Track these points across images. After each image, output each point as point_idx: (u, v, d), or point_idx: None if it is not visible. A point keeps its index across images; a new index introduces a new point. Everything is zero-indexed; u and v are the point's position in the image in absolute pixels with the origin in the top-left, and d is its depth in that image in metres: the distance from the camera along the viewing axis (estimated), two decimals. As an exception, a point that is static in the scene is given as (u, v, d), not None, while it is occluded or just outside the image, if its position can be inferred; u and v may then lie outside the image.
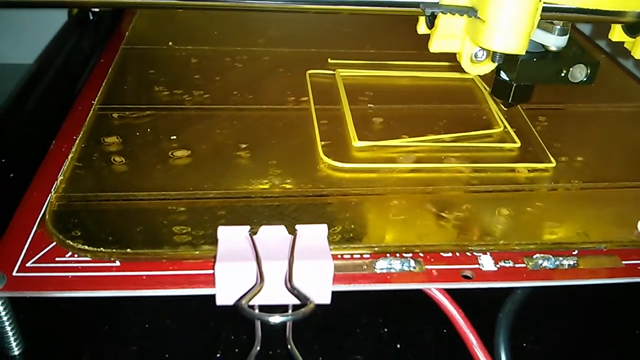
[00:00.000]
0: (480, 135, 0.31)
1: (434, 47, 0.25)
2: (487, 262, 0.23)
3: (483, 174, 0.28)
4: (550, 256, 0.23)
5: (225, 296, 0.21)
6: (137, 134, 0.29)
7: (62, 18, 0.48)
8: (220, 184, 0.26)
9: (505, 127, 0.32)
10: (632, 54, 0.27)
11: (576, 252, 0.24)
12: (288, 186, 0.27)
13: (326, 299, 0.22)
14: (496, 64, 0.26)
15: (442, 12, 0.24)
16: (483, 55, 0.25)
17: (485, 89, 0.35)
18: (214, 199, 0.25)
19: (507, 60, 0.26)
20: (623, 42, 0.27)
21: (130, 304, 0.24)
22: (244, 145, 0.29)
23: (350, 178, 0.28)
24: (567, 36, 0.27)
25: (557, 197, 0.28)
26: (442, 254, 0.23)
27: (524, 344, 0.24)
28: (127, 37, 0.40)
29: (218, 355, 0.23)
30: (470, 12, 0.24)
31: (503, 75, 0.28)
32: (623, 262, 0.24)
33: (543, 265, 0.23)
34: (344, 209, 0.26)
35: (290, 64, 0.37)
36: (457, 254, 0.23)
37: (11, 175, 0.30)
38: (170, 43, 0.39)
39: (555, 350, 0.24)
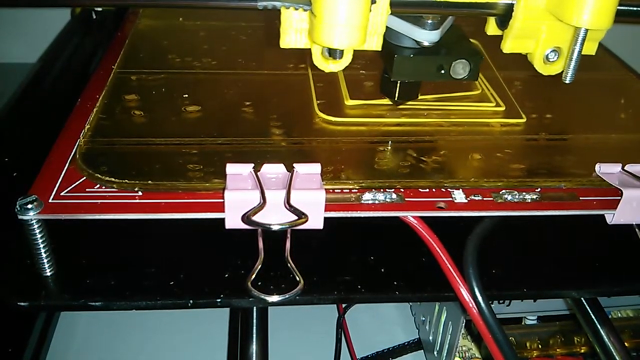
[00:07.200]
0: (460, 97, 0.34)
1: (284, 42, 0.25)
2: (459, 196, 0.26)
3: (460, 127, 0.32)
4: (515, 192, 0.27)
5: (233, 220, 0.24)
6: (154, 93, 0.33)
7: (65, 17, 0.50)
8: (228, 133, 0.30)
9: (483, 89, 0.35)
10: (500, 47, 0.26)
11: (539, 189, 0.27)
12: (287, 135, 0.30)
13: (319, 225, 0.25)
14: (347, 61, 0.25)
15: (275, 6, 0.23)
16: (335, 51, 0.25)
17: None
18: (222, 145, 0.29)
19: (387, 57, 0.26)
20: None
21: (150, 236, 0.27)
22: (247, 103, 0.32)
23: (342, 130, 0.31)
24: (439, 30, 0.26)
25: (525, 145, 0.31)
26: (420, 189, 0.26)
27: (493, 271, 0.27)
28: (141, 14, 0.43)
29: (226, 275, 0.26)
30: (306, 5, 0.23)
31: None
32: (580, 198, 0.27)
33: (508, 199, 0.26)
34: (336, 153, 0.29)
35: (290, 37, 0.41)
36: (434, 189, 0.26)
37: (14, 174, 0.31)
38: (180, 18, 0.42)
39: (518, 274, 0.27)
